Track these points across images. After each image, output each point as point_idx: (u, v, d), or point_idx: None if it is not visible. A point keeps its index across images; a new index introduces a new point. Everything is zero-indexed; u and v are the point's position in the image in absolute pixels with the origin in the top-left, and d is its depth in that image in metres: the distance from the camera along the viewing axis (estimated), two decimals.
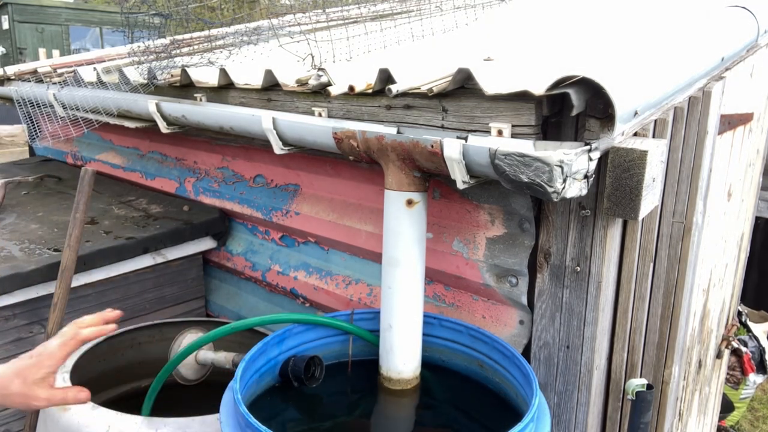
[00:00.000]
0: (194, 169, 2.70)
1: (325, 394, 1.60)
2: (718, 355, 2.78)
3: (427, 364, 1.63)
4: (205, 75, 2.05)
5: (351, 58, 1.98)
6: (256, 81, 1.80)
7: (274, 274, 2.34)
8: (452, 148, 1.29)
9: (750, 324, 3.44)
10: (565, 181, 1.15)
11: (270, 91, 1.77)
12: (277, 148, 1.76)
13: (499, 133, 1.28)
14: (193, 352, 1.74)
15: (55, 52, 10.87)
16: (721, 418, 3.63)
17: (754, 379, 3.45)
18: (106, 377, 2.13)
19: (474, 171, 1.32)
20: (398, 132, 1.42)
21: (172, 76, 2.11)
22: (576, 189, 1.18)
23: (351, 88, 1.49)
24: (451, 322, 1.64)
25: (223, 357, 1.87)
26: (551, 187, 1.15)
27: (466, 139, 1.29)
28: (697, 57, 1.56)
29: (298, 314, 1.64)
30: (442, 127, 1.39)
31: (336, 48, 1.99)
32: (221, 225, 2.51)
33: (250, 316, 2.47)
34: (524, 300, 1.61)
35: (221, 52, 2.39)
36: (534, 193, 1.21)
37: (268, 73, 1.73)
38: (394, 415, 1.59)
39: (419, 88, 1.40)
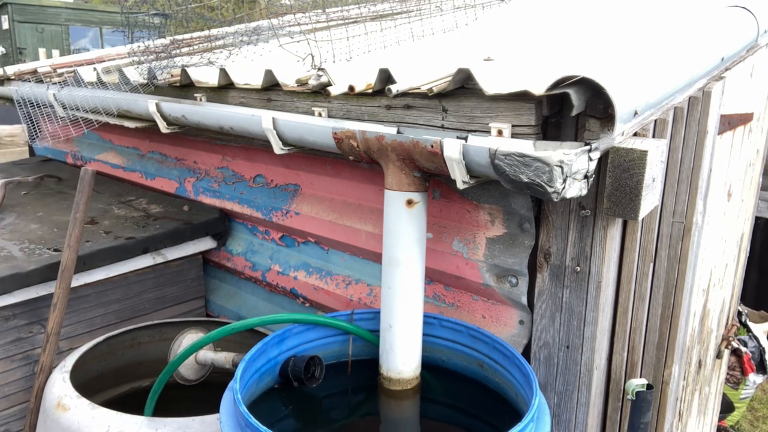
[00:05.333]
0: (194, 169, 2.70)
1: (325, 394, 1.60)
2: (718, 355, 2.78)
3: (427, 364, 1.63)
4: (205, 75, 2.05)
5: (351, 58, 1.98)
6: (256, 81, 1.80)
7: (274, 274, 2.34)
8: (452, 148, 1.29)
9: (750, 324, 3.43)
10: (565, 181, 1.15)
11: (270, 91, 1.77)
12: (277, 148, 1.76)
13: (499, 133, 1.28)
14: (193, 352, 1.74)
15: (55, 52, 10.86)
16: (721, 418, 3.63)
17: (754, 379, 3.45)
18: (106, 377, 2.14)
19: (474, 171, 1.32)
20: (398, 132, 1.42)
21: (172, 76, 2.12)
22: (576, 189, 1.18)
23: (351, 88, 1.49)
24: (451, 322, 1.64)
25: (223, 357, 1.88)
26: (551, 187, 1.15)
27: (466, 139, 1.29)
28: (697, 57, 1.56)
29: (298, 314, 1.64)
30: (442, 127, 1.39)
31: (336, 48, 1.98)
32: (221, 225, 2.51)
33: (250, 316, 2.47)
34: (524, 300, 1.61)
35: (221, 52, 2.39)
36: (534, 193, 1.21)
37: (268, 73, 1.73)
38: (394, 415, 1.59)
39: (419, 88, 1.40)
